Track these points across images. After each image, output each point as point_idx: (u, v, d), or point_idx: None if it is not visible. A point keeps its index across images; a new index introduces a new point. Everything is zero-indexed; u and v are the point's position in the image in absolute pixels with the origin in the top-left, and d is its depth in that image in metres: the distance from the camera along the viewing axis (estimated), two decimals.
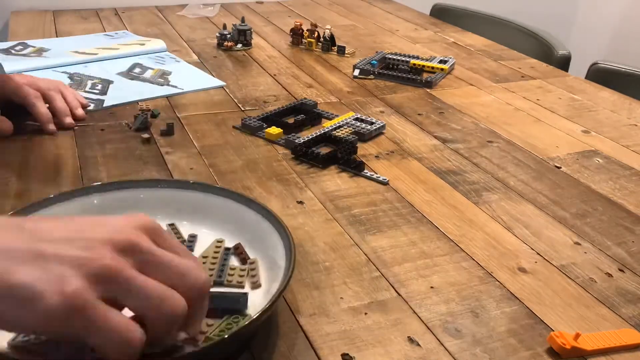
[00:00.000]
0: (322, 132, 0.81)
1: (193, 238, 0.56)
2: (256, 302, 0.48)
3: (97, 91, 0.95)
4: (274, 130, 0.81)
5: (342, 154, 0.75)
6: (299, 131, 0.84)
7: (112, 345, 0.35)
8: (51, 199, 0.55)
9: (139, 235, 0.39)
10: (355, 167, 0.73)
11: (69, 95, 0.86)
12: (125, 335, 0.36)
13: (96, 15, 1.43)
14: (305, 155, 0.76)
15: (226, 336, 0.41)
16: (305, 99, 0.94)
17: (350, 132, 0.83)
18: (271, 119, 0.85)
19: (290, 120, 0.85)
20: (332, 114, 0.89)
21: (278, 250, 0.51)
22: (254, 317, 0.42)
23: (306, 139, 0.79)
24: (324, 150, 0.77)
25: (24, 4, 1.47)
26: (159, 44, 1.19)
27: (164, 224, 0.58)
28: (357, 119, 0.87)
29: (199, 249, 0.55)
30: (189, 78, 1.03)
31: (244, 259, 0.53)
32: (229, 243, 0.56)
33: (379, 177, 0.71)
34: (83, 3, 1.51)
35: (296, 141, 0.78)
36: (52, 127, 0.80)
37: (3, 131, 0.78)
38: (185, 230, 0.57)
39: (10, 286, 0.34)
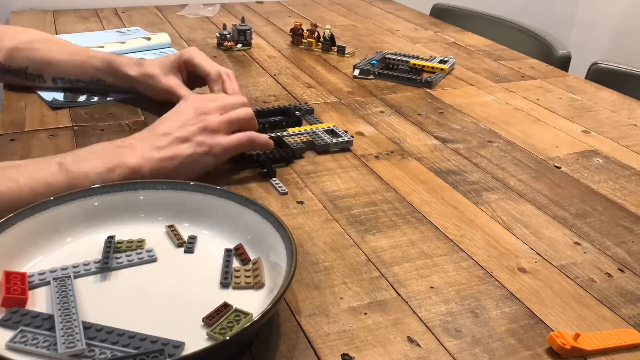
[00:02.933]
0: (277, 135, 0.79)
1: (193, 240, 0.56)
2: (258, 302, 0.49)
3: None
4: None
5: (262, 157, 0.73)
6: (268, 132, 0.80)
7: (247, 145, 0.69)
8: (51, 201, 0.55)
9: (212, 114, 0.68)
10: (266, 173, 0.72)
11: (235, 85, 0.85)
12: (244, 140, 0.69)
13: (96, 15, 1.43)
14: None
15: (227, 337, 0.41)
16: (305, 104, 0.92)
17: (305, 140, 0.79)
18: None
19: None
20: (316, 120, 0.87)
21: (279, 251, 0.51)
22: (256, 318, 0.42)
23: None
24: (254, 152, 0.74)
25: (24, 4, 1.47)
26: (164, 38, 1.19)
27: (163, 225, 0.58)
28: (328, 131, 0.82)
29: (199, 251, 0.55)
30: None
31: (245, 259, 0.53)
32: (230, 244, 0.56)
33: (281, 187, 0.68)
34: (83, 3, 1.51)
35: None
36: None
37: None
38: (186, 231, 0.57)
39: (186, 158, 0.65)
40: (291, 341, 0.47)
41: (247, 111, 0.71)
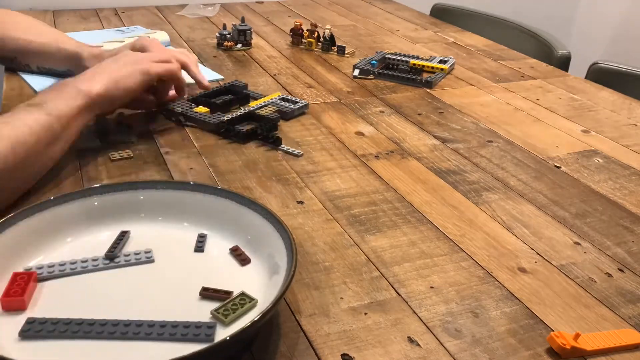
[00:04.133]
0: (247, 110, 0.86)
1: (203, 238, 0.56)
2: (258, 302, 0.48)
3: None
4: (201, 109, 0.85)
5: (262, 131, 0.80)
6: (226, 111, 0.87)
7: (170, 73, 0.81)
8: (51, 201, 0.55)
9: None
10: (273, 142, 0.79)
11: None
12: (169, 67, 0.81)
13: (96, 15, 1.43)
14: (227, 132, 0.81)
15: (227, 338, 0.41)
16: (235, 80, 0.98)
17: (273, 110, 0.87)
18: (200, 100, 0.88)
19: (218, 101, 0.89)
20: (260, 95, 0.94)
21: (279, 250, 0.51)
22: (256, 318, 0.42)
23: (231, 117, 0.83)
24: (247, 127, 0.82)
25: (24, 4, 1.47)
26: (163, 37, 1.19)
27: (167, 226, 0.58)
28: (282, 99, 0.92)
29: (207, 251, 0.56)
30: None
31: (243, 259, 0.53)
32: (229, 244, 0.56)
33: (294, 150, 0.77)
34: (83, 3, 1.51)
35: (221, 118, 0.83)
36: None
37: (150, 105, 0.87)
38: (186, 232, 0.57)
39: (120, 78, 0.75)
40: (291, 341, 0.47)
41: (169, 66, 0.81)
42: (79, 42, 0.95)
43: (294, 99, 0.92)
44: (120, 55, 0.80)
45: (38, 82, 0.94)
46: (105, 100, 0.73)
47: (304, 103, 0.91)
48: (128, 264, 0.53)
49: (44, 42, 0.94)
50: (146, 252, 0.54)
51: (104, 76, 0.73)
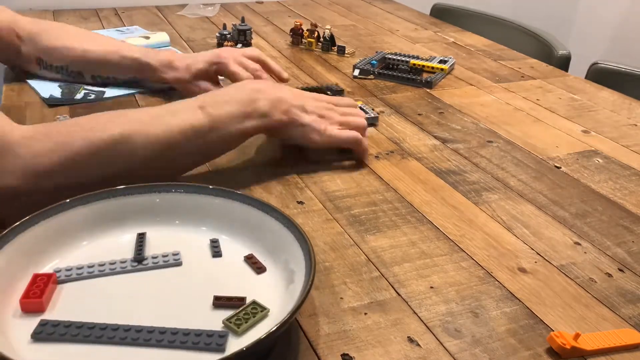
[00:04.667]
0: None
1: (216, 243, 0.56)
2: (274, 312, 0.48)
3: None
4: None
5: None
6: None
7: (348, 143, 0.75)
8: (67, 204, 0.55)
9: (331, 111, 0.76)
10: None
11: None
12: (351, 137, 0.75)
13: (96, 15, 1.43)
14: None
15: (244, 348, 0.40)
16: (335, 84, 0.94)
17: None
18: None
19: None
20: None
21: (297, 260, 0.50)
22: (274, 328, 0.42)
23: None
24: None
25: (24, 4, 1.47)
26: (163, 37, 1.20)
27: (183, 230, 0.58)
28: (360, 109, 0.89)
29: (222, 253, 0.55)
30: None
31: (258, 268, 0.53)
32: (245, 250, 0.55)
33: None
34: (83, 3, 1.51)
35: None
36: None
37: None
38: (204, 235, 0.57)
39: (302, 124, 0.72)
40: (291, 341, 0.47)
41: (362, 121, 0.77)
42: (143, 48, 0.93)
43: (366, 108, 0.89)
44: (304, 95, 0.75)
45: (42, 86, 0.93)
46: (277, 130, 0.71)
47: (374, 115, 0.88)
48: (156, 266, 0.53)
49: (103, 50, 0.92)
50: (174, 255, 0.54)
51: (287, 108, 0.70)
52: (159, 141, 0.61)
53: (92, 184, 0.57)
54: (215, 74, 0.91)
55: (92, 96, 0.90)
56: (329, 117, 0.74)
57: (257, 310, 0.47)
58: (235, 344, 0.44)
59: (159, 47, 1.16)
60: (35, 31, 0.92)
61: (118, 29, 1.29)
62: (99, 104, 0.89)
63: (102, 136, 0.59)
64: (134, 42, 1.16)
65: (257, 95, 0.69)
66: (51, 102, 0.88)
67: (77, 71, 0.93)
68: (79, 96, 0.90)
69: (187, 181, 0.61)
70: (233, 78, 0.88)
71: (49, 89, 0.91)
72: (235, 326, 0.45)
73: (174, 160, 0.64)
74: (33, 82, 0.94)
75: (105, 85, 0.94)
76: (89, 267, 0.52)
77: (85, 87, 0.93)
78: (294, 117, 0.71)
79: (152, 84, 0.94)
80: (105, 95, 0.91)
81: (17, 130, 0.58)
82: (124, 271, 0.52)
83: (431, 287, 0.54)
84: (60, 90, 0.91)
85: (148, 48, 0.95)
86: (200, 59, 0.90)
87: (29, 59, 0.93)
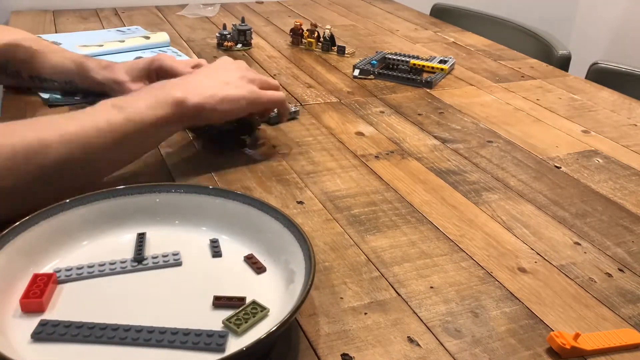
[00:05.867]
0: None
1: (216, 243, 0.56)
2: (274, 312, 0.48)
3: None
4: None
5: (236, 132, 0.78)
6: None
7: (275, 102, 0.77)
8: (67, 204, 0.55)
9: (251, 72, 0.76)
10: (239, 144, 0.79)
11: None
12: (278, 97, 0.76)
13: (96, 15, 1.43)
14: (201, 130, 0.79)
15: (244, 348, 0.40)
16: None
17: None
18: None
19: None
20: None
21: (297, 260, 0.50)
22: (274, 328, 0.42)
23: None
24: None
25: (24, 4, 1.47)
26: (163, 37, 1.20)
27: (183, 230, 0.58)
28: None
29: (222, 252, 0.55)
30: None
31: (258, 268, 0.53)
32: (246, 250, 0.55)
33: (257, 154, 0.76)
34: (83, 3, 1.51)
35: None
36: None
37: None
38: (204, 235, 0.57)
39: (222, 98, 0.69)
40: (291, 341, 0.47)
41: (279, 94, 0.77)
42: (86, 55, 0.91)
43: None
44: (224, 65, 0.76)
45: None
46: (201, 115, 0.68)
47: (295, 109, 0.89)
48: (156, 266, 0.53)
49: (44, 49, 0.90)
50: (174, 255, 0.54)
51: (206, 90, 0.69)
52: (74, 140, 0.59)
53: (6, 195, 0.56)
54: (155, 73, 0.87)
55: (92, 95, 0.90)
56: (249, 78, 0.74)
57: (257, 310, 0.47)
58: (235, 344, 0.44)
59: (159, 47, 1.17)
60: None
61: (119, 29, 1.29)
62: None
63: (14, 140, 0.56)
64: (134, 41, 1.16)
65: (167, 86, 0.68)
66: (52, 103, 0.88)
67: (15, 70, 0.89)
68: (78, 96, 0.90)
69: (186, 182, 0.61)
70: (172, 72, 0.84)
71: (50, 90, 0.91)
72: (235, 326, 0.45)
73: (92, 162, 0.61)
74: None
75: (43, 89, 0.91)
76: (89, 267, 0.52)
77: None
78: (210, 95, 0.68)
79: (88, 90, 0.89)
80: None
81: None
82: (124, 271, 0.52)
83: (431, 287, 0.54)
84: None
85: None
86: (140, 61, 0.88)
87: None
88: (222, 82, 0.71)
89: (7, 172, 0.56)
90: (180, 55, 1.12)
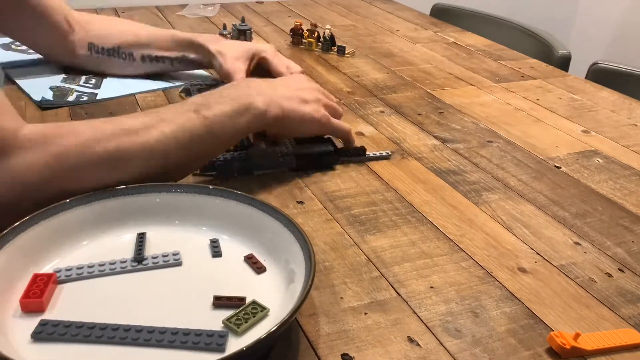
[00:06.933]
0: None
1: (216, 243, 0.56)
2: (274, 312, 0.48)
3: (91, 85, 0.95)
4: None
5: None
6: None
7: (342, 129, 0.77)
8: (67, 204, 0.55)
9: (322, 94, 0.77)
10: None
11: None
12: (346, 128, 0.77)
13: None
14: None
15: (244, 348, 0.40)
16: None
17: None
18: None
19: None
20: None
21: (297, 260, 0.50)
22: (274, 328, 0.42)
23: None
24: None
25: None
26: None
27: (178, 229, 0.58)
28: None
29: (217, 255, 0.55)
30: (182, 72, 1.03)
31: (258, 268, 0.53)
32: (246, 250, 0.55)
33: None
34: (83, 3, 1.50)
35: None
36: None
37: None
38: (204, 235, 0.57)
39: (302, 115, 0.71)
40: (291, 341, 0.47)
41: (347, 127, 0.78)
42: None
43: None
44: (304, 83, 0.77)
45: (33, 89, 0.92)
46: (275, 126, 0.70)
47: (387, 153, 0.79)
48: (156, 266, 0.53)
49: (154, 31, 0.96)
50: (174, 255, 0.54)
51: (287, 104, 0.69)
52: (154, 151, 0.59)
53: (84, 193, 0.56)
54: (259, 61, 0.93)
55: (85, 98, 0.90)
56: (323, 102, 0.75)
57: (257, 310, 0.47)
58: (235, 344, 0.44)
59: None
60: (86, 20, 0.96)
61: None
62: (102, 106, 0.89)
63: (97, 150, 0.56)
64: None
65: (251, 91, 0.67)
66: (44, 105, 0.87)
67: (128, 52, 0.95)
68: (71, 98, 0.90)
69: (186, 182, 0.61)
70: (271, 67, 0.91)
71: (41, 91, 0.90)
72: (235, 326, 0.45)
73: (168, 171, 0.61)
74: (24, 84, 0.94)
75: (150, 69, 0.97)
76: (89, 267, 0.52)
77: (77, 89, 0.93)
78: (291, 110, 0.70)
79: (198, 65, 0.96)
80: (98, 97, 0.91)
81: (21, 130, 0.55)
82: (124, 271, 0.52)
83: (431, 287, 0.54)
84: (52, 92, 0.91)
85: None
86: (247, 44, 0.93)
87: (80, 45, 0.95)
88: (302, 99, 0.72)
89: (88, 180, 0.56)
90: None
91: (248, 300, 0.48)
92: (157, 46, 0.95)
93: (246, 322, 0.46)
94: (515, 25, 1.49)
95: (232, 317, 0.46)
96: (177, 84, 0.97)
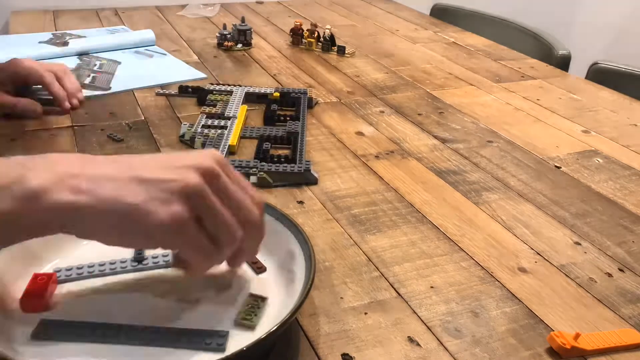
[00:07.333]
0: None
1: None
2: (271, 313, 0.48)
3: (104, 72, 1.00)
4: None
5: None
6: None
7: (198, 259, 0.43)
8: None
9: (217, 166, 0.43)
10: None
11: (72, 79, 0.89)
12: (209, 253, 0.43)
13: (96, 15, 1.43)
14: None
15: (244, 348, 0.40)
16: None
17: None
18: None
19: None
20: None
21: (296, 260, 0.50)
22: (274, 328, 0.42)
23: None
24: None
25: (24, 4, 1.47)
26: (148, 34, 1.21)
27: None
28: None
29: None
30: (176, 70, 1.05)
31: (259, 267, 0.53)
32: None
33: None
34: (83, 3, 1.51)
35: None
36: (67, 104, 0.85)
37: (34, 113, 0.80)
38: None
39: (123, 205, 0.39)
40: (291, 341, 0.47)
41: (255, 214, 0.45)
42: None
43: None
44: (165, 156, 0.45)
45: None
46: (74, 225, 0.40)
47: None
48: (156, 266, 0.52)
49: None
50: (174, 254, 0.54)
51: (100, 183, 0.40)
52: None
53: None
54: (13, 78, 0.82)
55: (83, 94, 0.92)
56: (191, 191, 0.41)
57: (258, 301, 0.48)
58: (235, 344, 0.44)
59: (146, 46, 1.18)
60: None
61: (107, 28, 1.31)
62: (102, 106, 0.89)
63: None
64: (118, 38, 1.18)
65: (31, 164, 0.40)
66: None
67: None
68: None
69: None
70: (32, 78, 0.83)
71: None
72: (249, 321, 0.46)
73: None
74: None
75: None
76: (89, 267, 0.52)
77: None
78: (108, 198, 0.39)
79: None
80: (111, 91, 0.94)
81: None
82: (124, 271, 0.52)
83: (431, 287, 0.54)
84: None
85: None
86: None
87: None
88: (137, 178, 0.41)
89: None
90: (165, 54, 1.13)
91: (244, 296, 0.48)
92: None
93: (256, 315, 0.46)
94: (516, 25, 1.49)
95: (239, 315, 0.46)
96: (173, 81, 0.98)
